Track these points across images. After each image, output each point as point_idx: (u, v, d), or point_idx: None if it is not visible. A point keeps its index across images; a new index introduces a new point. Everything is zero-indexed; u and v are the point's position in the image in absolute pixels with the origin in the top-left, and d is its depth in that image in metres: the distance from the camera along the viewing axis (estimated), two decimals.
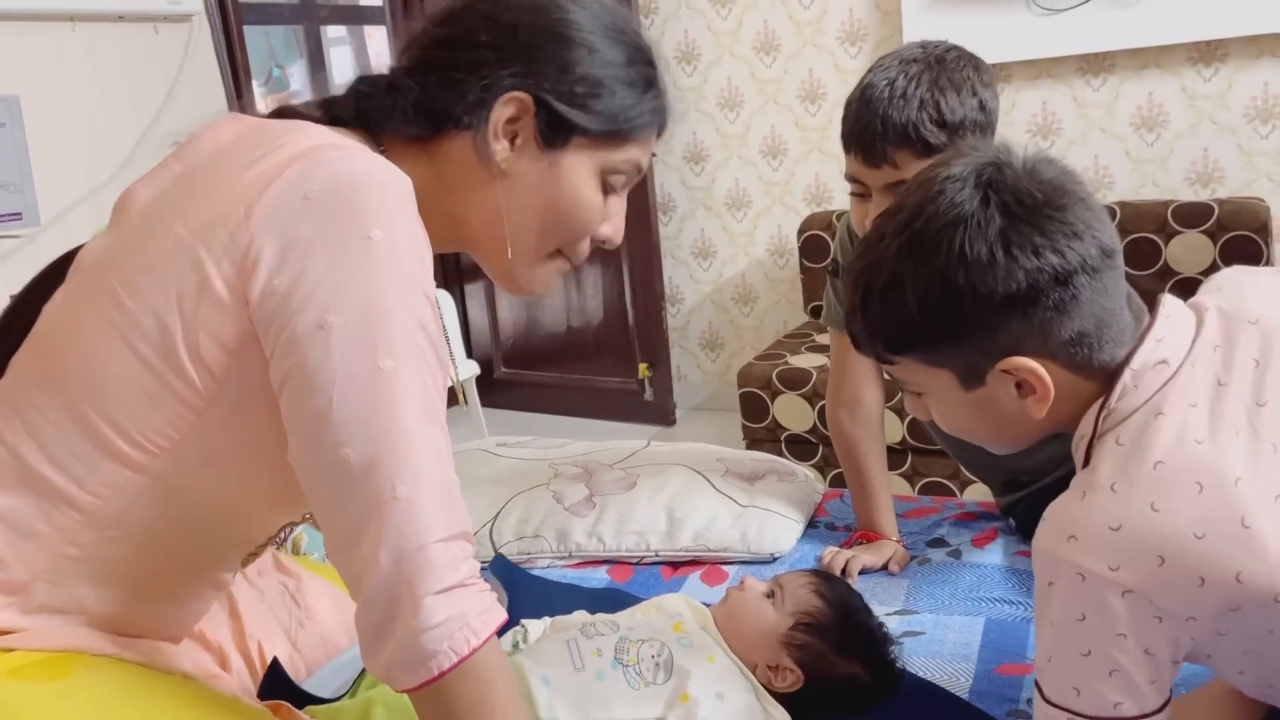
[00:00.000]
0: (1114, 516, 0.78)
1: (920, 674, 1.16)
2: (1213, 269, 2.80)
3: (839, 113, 1.33)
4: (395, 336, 0.80)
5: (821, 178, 3.58)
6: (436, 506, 0.78)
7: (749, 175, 3.71)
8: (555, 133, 0.91)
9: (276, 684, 1.07)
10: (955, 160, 0.86)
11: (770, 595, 1.16)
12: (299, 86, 4.54)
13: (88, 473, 0.84)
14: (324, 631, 1.14)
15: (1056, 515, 0.82)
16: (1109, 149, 3.13)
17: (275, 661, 1.08)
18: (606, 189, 0.95)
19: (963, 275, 0.81)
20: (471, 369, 3.25)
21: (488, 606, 0.80)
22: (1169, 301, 0.88)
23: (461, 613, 0.77)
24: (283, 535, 1.06)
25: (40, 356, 0.88)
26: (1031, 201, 0.82)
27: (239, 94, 3.38)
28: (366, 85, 0.94)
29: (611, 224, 0.98)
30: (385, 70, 0.95)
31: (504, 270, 0.96)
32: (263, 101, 4.45)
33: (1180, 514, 0.76)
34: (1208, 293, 0.91)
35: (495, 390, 3.95)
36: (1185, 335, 0.85)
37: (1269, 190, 2.96)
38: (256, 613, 1.13)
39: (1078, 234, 0.81)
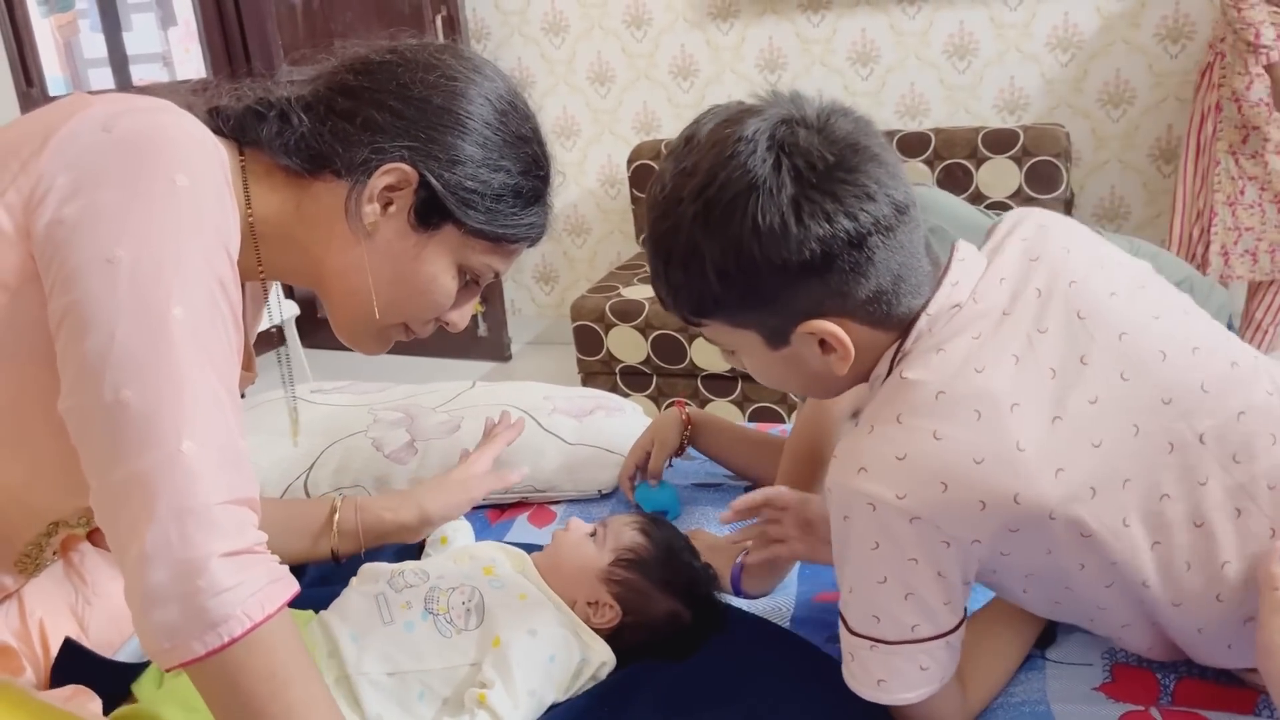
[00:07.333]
0: (899, 446, 0.80)
1: (742, 608, 1.17)
2: (1019, 193, 2.93)
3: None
4: (191, 286, 0.75)
5: (649, 105, 3.55)
6: (223, 468, 0.73)
7: (577, 103, 3.64)
8: (430, 214, 0.90)
9: (75, 664, 0.98)
10: (749, 116, 0.83)
11: (594, 534, 1.15)
12: (85, 6, 4.15)
13: None
14: (114, 610, 1.04)
15: (846, 452, 0.84)
16: (924, 76, 3.22)
17: (69, 641, 0.99)
18: (463, 280, 0.96)
19: (757, 246, 0.80)
20: (291, 309, 3.09)
21: (280, 575, 0.76)
22: (962, 246, 0.90)
23: (253, 578, 0.73)
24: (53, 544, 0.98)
25: None
26: (824, 165, 0.80)
27: (11, 13, 3.09)
28: (263, 108, 0.91)
29: (459, 312, 0.99)
30: (284, 92, 0.92)
31: (348, 323, 0.96)
32: (46, 22, 4.05)
33: (960, 441, 0.79)
34: (1010, 235, 0.92)
35: (319, 330, 3.78)
36: (976, 276, 0.87)
37: (1068, 116, 3.11)
38: (37, 588, 1.03)
39: (870, 195, 0.81)
